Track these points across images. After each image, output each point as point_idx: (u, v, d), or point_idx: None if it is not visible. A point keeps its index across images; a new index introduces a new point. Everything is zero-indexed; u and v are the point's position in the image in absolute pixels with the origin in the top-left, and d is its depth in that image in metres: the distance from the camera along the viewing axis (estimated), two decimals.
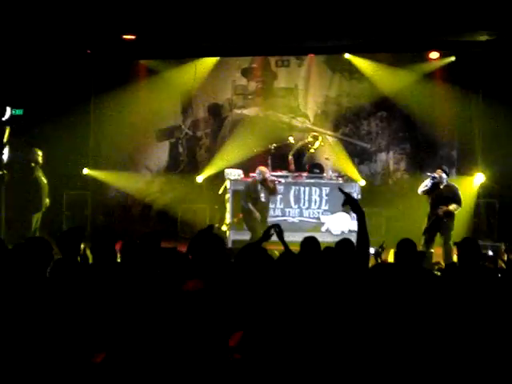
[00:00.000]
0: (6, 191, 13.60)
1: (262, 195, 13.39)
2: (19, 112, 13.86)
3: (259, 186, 13.38)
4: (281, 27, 13.43)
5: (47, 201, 13.47)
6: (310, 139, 15.39)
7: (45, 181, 13.42)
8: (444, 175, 12.39)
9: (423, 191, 12.43)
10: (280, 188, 14.29)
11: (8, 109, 13.62)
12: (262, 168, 13.55)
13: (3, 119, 13.58)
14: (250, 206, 13.21)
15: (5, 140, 13.59)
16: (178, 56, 16.51)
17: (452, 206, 12.17)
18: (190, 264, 6.08)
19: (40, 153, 13.43)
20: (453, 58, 15.92)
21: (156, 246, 6.88)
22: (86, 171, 16.11)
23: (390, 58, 16.32)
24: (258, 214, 13.20)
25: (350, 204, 5.88)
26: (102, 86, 15.95)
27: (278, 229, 7.02)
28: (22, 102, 13.85)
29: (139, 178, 17.20)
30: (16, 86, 14.04)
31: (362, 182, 15.69)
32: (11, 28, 12.86)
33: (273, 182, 13.74)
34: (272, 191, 13.58)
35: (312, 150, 15.33)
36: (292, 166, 15.09)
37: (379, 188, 16.62)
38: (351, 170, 16.22)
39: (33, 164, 13.38)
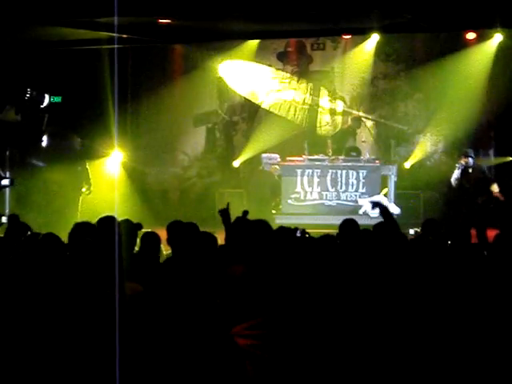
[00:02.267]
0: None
1: None
2: (57, 99, 14.00)
3: None
4: (316, 8, 13.38)
5: (89, 185, 13.68)
6: (350, 123, 15.36)
7: (86, 166, 13.61)
8: (470, 159, 12.31)
9: (456, 184, 12.37)
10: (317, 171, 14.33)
11: (47, 96, 13.75)
12: None
13: (42, 106, 13.72)
14: None
15: (43, 127, 13.73)
16: (212, 39, 16.49)
17: (493, 187, 12.08)
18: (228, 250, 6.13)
19: (79, 140, 13.59)
20: (494, 39, 15.68)
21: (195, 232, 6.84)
22: (121, 157, 16.18)
23: (426, 39, 16.19)
24: None
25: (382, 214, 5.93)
26: (138, 73, 16.03)
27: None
28: (60, 89, 13.99)
29: (177, 163, 17.29)
30: (55, 73, 14.18)
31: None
32: (51, 15, 12.94)
33: None
34: None
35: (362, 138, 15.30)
36: (330, 150, 15.08)
37: (417, 170, 16.51)
38: (388, 153, 16.16)
39: (74, 150, 13.54)
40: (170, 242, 6.65)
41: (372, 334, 4.44)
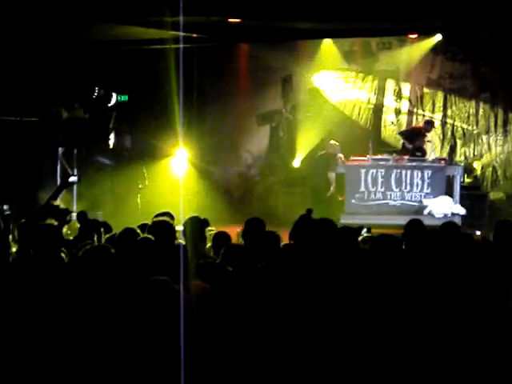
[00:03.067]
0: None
1: None
2: (124, 98, 14.19)
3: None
4: (380, 7, 13.29)
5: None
6: (422, 124, 15.26)
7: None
8: None
9: None
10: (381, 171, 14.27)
11: (114, 95, 13.94)
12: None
13: (109, 105, 13.91)
14: None
15: (111, 125, 13.91)
16: (276, 39, 16.49)
17: None
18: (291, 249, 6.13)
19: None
20: None
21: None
22: (186, 155, 16.28)
23: (490, 38, 15.97)
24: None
25: None
26: (204, 72, 16.15)
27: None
28: (127, 88, 14.17)
29: (241, 162, 17.36)
30: (122, 72, 14.35)
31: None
32: (119, 14, 13.11)
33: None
34: None
35: (427, 138, 15.21)
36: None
37: (483, 171, 16.30)
38: (454, 153, 15.99)
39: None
40: (244, 236, 6.71)
41: (438, 338, 4.42)
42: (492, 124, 16.64)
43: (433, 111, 16.85)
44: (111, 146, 13.93)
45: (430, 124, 15.44)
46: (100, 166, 14.43)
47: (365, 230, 8.20)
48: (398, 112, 16.78)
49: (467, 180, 15.28)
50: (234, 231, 7.24)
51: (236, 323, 3.85)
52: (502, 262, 5.31)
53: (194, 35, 14.53)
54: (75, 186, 13.70)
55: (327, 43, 16.86)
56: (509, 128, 16.53)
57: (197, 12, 12.02)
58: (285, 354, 3.65)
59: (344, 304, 4.89)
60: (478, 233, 11.74)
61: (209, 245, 6.76)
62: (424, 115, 16.60)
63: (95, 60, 14.49)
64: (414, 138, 15.25)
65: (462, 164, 15.35)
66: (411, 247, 6.52)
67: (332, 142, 14.93)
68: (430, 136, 15.61)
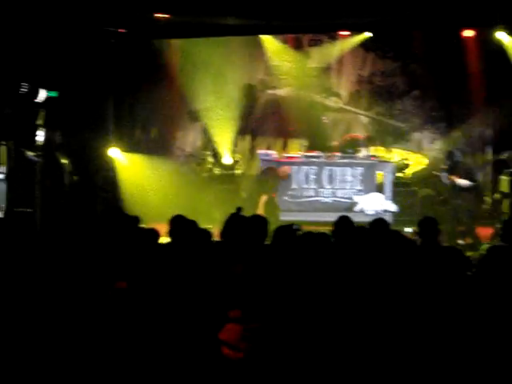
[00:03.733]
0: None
1: None
2: (54, 94, 13.93)
3: None
4: (312, 3, 13.35)
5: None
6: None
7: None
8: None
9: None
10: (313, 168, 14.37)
11: (43, 91, 13.68)
12: None
13: (36, 101, 13.64)
14: None
15: (40, 122, 13.65)
16: (208, 35, 16.38)
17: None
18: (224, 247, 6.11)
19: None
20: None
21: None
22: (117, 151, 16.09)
23: (421, 36, 16.14)
24: None
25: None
26: (135, 67, 15.97)
27: None
28: (57, 84, 13.92)
29: (174, 159, 17.20)
30: (51, 67, 14.09)
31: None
32: (47, 7, 12.89)
33: None
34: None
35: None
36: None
37: (413, 168, 16.49)
38: (384, 150, 16.13)
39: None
40: (171, 234, 6.73)
41: (364, 332, 4.42)
42: (422, 121, 16.85)
43: (364, 108, 16.99)
44: (39, 142, 13.67)
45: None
46: (28, 162, 14.14)
47: (296, 226, 8.19)
48: (329, 109, 16.85)
49: (398, 177, 15.42)
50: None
51: None
52: (425, 259, 5.35)
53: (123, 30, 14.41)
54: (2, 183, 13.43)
55: (260, 39, 16.82)
56: (439, 125, 16.75)
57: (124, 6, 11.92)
58: None
59: (273, 305, 4.87)
60: (410, 230, 11.86)
61: None
62: (358, 112, 16.72)
63: (23, 54, 14.20)
64: None
65: (393, 161, 15.48)
66: (340, 244, 6.55)
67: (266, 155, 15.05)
68: (361, 133, 15.74)
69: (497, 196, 14.17)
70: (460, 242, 12.45)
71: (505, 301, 4.59)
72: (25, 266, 4.95)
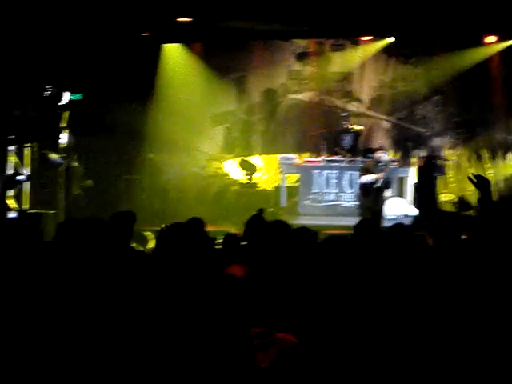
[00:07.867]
0: None
1: None
2: (78, 97, 14.05)
3: None
4: (335, 9, 13.40)
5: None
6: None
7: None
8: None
9: None
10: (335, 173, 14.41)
11: (67, 94, 13.80)
12: None
13: (60, 104, 13.76)
14: None
15: (64, 124, 13.78)
16: (230, 40, 16.47)
17: None
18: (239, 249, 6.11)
19: None
20: (511, 42, 15.66)
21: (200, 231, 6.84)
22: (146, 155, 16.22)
23: (445, 42, 16.14)
24: None
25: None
26: (159, 71, 16.10)
27: None
28: (81, 87, 14.04)
29: (194, 162, 17.26)
30: (75, 71, 14.21)
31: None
32: (71, 12, 13.01)
33: None
34: None
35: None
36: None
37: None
38: (407, 155, 16.12)
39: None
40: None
41: (382, 335, 4.45)
42: (443, 127, 16.83)
43: (385, 113, 17.00)
44: (63, 145, 13.81)
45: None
46: (51, 165, 14.25)
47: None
48: (351, 114, 16.86)
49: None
50: None
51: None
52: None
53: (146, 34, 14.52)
54: (26, 185, 13.55)
55: (282, 44, 16.89)
56: (460, 131, 16.73)
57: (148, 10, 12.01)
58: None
59: (287, 309, 4.88)
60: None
61: None
62: (379, 117, 16.74)
63: (48, 58, 14.34)
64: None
65: (414, 166, 15.46)
66: (360, 248, 6.55)
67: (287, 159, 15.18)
68: (382, 138, 15.75)
69: None
70: None
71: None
72: (26, 267, 4.96)
